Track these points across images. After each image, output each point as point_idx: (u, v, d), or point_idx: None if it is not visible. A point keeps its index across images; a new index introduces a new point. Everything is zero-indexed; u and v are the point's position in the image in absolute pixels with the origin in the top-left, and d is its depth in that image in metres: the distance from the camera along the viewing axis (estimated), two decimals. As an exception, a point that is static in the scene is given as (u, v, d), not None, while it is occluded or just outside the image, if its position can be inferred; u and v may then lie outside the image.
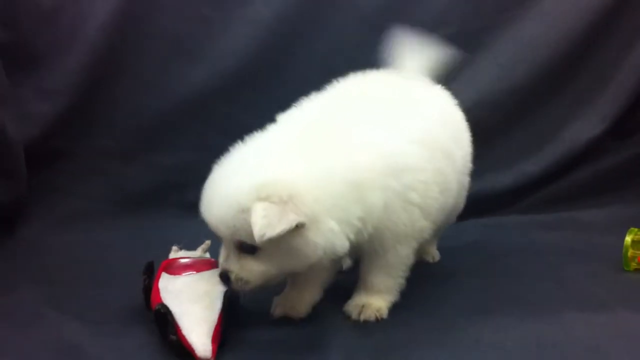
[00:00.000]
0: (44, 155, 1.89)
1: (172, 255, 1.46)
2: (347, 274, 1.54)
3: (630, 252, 1.62)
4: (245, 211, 1.15)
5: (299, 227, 1.16)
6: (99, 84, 1.95)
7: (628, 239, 1.63)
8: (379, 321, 1.35)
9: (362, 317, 1.35)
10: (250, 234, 1.14)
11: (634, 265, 1.62)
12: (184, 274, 1.33)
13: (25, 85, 1.86)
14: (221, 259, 1.25)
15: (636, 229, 1.64)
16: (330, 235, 1.20)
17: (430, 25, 1.92)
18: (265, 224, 1.13)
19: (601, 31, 2.03)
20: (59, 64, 1.90)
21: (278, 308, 1.37)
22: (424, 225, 1.35)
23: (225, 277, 1.24)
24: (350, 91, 1.40)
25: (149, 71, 1.99)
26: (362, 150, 1.25)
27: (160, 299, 1.26)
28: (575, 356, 1.21)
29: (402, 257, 1.37)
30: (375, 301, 1.38)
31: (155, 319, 1.24)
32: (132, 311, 1.39)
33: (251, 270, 1.22)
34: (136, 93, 1.99)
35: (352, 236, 1.23)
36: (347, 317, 1.37)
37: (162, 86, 1.99)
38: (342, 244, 1.22)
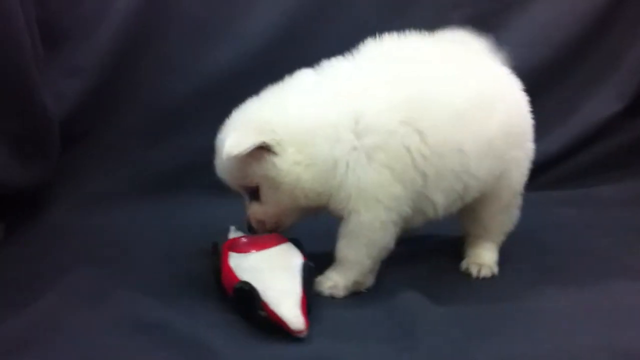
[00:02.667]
0: (67, 137, 1.83)
1: (232, 234, 1.45)
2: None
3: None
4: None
5: (267, 153, 1.30)
6: (123, 64, 1.90)
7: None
8: (333, 298, 1.34)
9: (316, 289, 1.35)
10: (245, 175, 1.34)
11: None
12: (254, 251, 1.31)
13: (52, 64, 1.79)
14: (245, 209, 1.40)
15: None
16: (297, 168, 1.30)
17: (444, 7, 2.02)
18: (233, 143, 1.27)
19: (613, 11, 2.08)
20: (85, 43, 1.84)
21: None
22: (396, 191, 1.30)
23: (248, 224, 1.40)
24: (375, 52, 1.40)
25: (173, 52, 1.95)
26: (336, 103, 1.31)
27: (236, 277, 1.25)
28: (626, 321, 1.25)
29: (365, 224, 1.30)
30: (335, 276, 1.36)
31: (237, 297, 1.23)
32: (199, 289, 1.37)
33: (260, 212, 1.37)
34: (161, 74, 1.95)
35: (317, 181, 1.30)
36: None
37: (187, 67, 1.95)
38: (309, 183, 1.30)
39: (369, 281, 1.38)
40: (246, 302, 1.20)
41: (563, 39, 2.08)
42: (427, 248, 1.65)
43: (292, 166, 1.30)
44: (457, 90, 1.35)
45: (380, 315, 1.27)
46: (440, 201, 1.36)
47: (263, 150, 1.30)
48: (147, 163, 1.97)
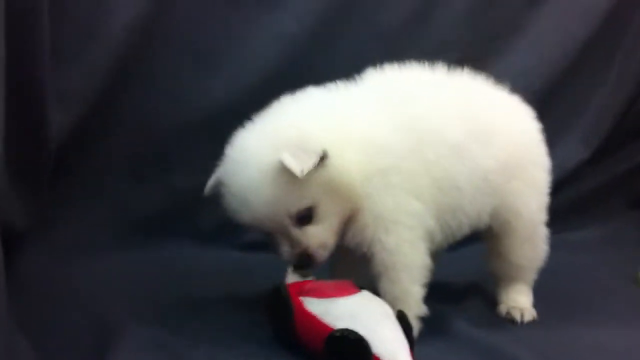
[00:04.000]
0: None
1: (291, 277, 1.27)
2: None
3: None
4: (278, 176, 1.17)
5: (325, 159, 1.20)
6: (113, 92, 1.71)
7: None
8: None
9: None
10: (299, 197, 1.19)
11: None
12: (342, 297, 1.16)
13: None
14: (285, 251, 1.24)
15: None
16: (351, 165, 1.23)
17: (440, 48, 2.00)
18: (298, 162, 1.16)
19: (579, 58, 2.16)
20: (70, 67, 1.63)
21: None
22: (415, 208, 1.26)
23: (305, 259, 1.23)
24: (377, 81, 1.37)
25: (166, 81, 1.78)
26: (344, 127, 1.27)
27: (327, 325, 1.11)
28: None
29: (392, 250, 1.25)
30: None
31: (335, 348, 1.09)
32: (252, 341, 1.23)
33: (320, 232, 1.23)
34: (150, 105, 1.78)
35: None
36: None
37: (180, 98, 1.79)
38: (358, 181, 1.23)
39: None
40: (351, 353, 1.07)
41: (532, 87, 2.10)
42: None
43: (349, 167, 1.23)
44: (456, 123, 1.33)
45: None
46: (437, 234, 1.33)
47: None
48: (130, 205, 1.79)
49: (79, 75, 1.65)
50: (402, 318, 1.15)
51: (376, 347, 1.06)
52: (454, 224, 1.34)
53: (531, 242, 1.48)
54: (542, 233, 1.50)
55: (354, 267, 1.34)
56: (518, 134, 1.44)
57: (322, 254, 1.24)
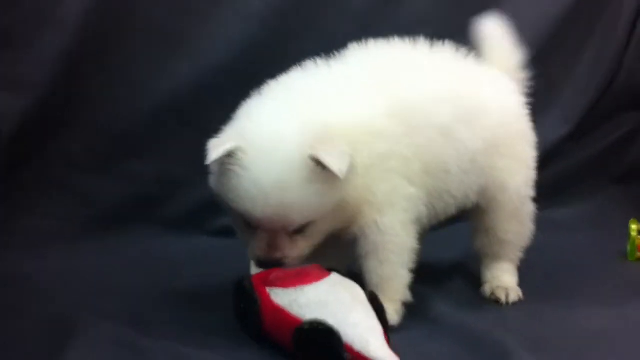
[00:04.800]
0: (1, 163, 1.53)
1: (255, 270, 1.21)
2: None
3: (638, 241, 1.68)
4: (307, 182, 1.10)
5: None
6: (69, 78, 1.63)
7: (634, 227, 1.69)
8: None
9: None
10: (314, 208, 1.12)
11: (638, 255, 1.69)
12: (308, 284, 1.10)
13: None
14: (258, 248, 1.15)
15: (636, 220, 1.73)
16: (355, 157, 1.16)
17: (414, 25, 1.89)
18: (338, 161, 1.10)
19: (556, 35, 2.11)
20: (23, 51, 1.56)
21: None
22: (409, 192, 1.24)
23: (275, 263, 1.15)
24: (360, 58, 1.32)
25: (130, 65, 1.71)
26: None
27: (294, 317, 1.06)
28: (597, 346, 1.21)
29: (385, 230, 1.22)
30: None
31: (304, 341, 1.03)
32: (220, 334, 1.17)
33: (304, 248, 1.17)
34: (114, 90, 1.70)
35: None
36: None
37: (145, 83, 1.72)
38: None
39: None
40: (320, 345, 1.01)
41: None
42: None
43: (355, 172, 1.16)
44: (444, 105, 1.28)
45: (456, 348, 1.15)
46: (424, 217, 1.29)
47: None
48: (95, 195, 1.72)
49: (33, 62, 1.58)
50: (374, 299, 1.09)
51: (347, 335, 1.00)
52: (440, 206, 1.32)
53: (518, 217, 1.45)
54: (528, 209, 1.47)
55: (331, 252, 1.27)
56: (503, 110, 1.40)
57: (293, 264, 1.18)
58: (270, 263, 1.16)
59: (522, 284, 1.46)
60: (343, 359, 0.99)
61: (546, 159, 2.11)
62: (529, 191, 1.46)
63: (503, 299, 1.40)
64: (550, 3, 2.10)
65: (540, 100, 2.13)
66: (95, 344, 1.08)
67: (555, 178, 2.14)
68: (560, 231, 1.94)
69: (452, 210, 1.35)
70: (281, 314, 1.08)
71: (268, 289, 1.12)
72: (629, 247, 1.71)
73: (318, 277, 1.13)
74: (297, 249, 1.17)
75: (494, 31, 1.47)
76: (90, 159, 1.71)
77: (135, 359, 1.06)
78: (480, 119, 1.33)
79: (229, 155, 1.11)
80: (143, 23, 1.73)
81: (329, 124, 1.16)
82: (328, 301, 1.06)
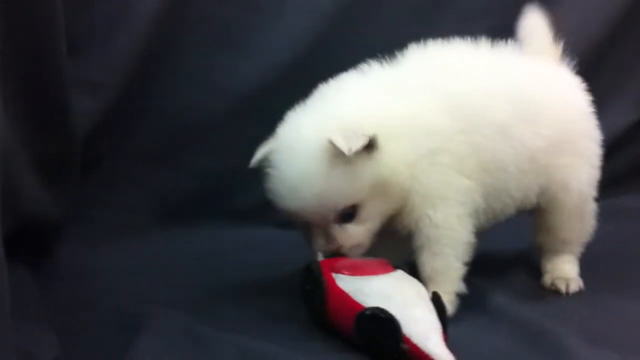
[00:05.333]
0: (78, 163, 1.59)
1: (322, 255, 1.24)
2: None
3: None
4: (330, 167, 1.15)
5: (374, 145, 1.17)
6: (140, 78, 1.70)
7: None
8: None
9: None
10: (348, 192, 1.16)
11: None
12: (375, 275, 1.14)
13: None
14: (319, 244, 1.21)
15: None
16: (400, 162, 1.19)
17: (470, 16, 1.97)
18: (346, 141, 1.13)
19: (629, 19, 2.09)
20: (97, 54, 1.63)
21: None
22: (464, 184, 1.24)
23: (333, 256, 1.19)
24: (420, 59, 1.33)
25: (195, 65, 1.77)
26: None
27: (358, 303, 1.09)
28: None
29: (440, 224, 1.22)
30: None
31: (366, 326, 1.06)
32: (286, 320, 1.22)
33: (359, 232, 1.21)
34: (179, 89, 1.77)
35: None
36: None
37: (209, 81, 1.78)
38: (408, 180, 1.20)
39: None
40: (381, 332, 1.03)
41: (581, 50, 2.04)
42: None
43: (398, 160, 1.19)
44: (502, 103, 1.29)
45: (513, 340, 1.14)
46: (481, 214, 1.29)
47: (369, 149, 1.17)
48: (163, 189, 1.80)
49: (107, 64, 1.65)
50: (436, 300, 1.10)
51: (408, 328, 1.02)
52: (498, 206, 1.31)
53: (580, 217, 1.43)
54: (590, 208, 1.45)
55: (390, 245, 1.29)
56: (566, 108, 1.39)
57: (355, 253, 1.22)
58: (331, 255, 1.20)
59: (584, 274, 1.44)
60: (400, 348, 1.01)
61: (616, 146, 2.10)
62: (592, 190, 1.44)
63: (563, 289, 1.39)
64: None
65: (611, 85, 2.13)
66: (163, 335, 1.13)
67: (627, 164, 2.14)
68: (628, 220, 1.93)
69: (511, 210, 1.34)
70: (345, 299, 1.11)
71: (334, 275, 1.16)
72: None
73: (385, 271, 1.16)
74: (351, 238, 1.20)
75: (538, 25, 1.45)
76: (159, 155, 1.78)
77: (201, 349, 1.09)
78: (541, 116, 1.33)
79: (266, 158, 1.20)
80: (208, 23, 1.78)
81: (359, 117, 1.19)
82: (392, 294, 1.09)
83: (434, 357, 0.99)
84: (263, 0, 1.82)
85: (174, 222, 1.77)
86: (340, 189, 1.17)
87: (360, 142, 1.14)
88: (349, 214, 1.19)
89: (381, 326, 1.03)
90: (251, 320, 1.24)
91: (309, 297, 1.20)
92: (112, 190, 1.75)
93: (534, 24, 1.46)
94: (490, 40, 1.38)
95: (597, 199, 1.52)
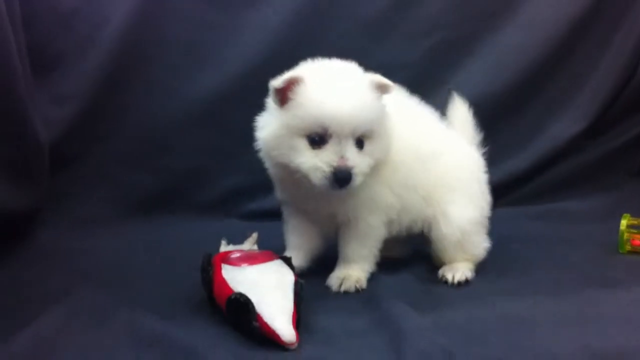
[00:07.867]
0: (55, 162, 1.89)
1: (223, 248, 1.53)
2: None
3: (625, 235, 1.78)
4: (370, 90, 1.43)
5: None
6: (111, 89, 1.96)
7: (624, 222, 1.79)
8: (359, 292, 1.51)
9: (342, 289, 1.52)
10: (374, 118, 1.43)
11: (628, 247, 1.78)
12: (248, 265, 1.37)
13: (41, 90, 1.86)
14: (332, 160, 1.39)
15: (629, 215, 1.81)
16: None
17: (417, 35, 2.14)
18: (380, 78, 1.45)
19: (576, 35, 2.20)
20: (74, 69, 1.90)
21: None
22: (392, 201, 1.55)
23: (346, 174, 1.39)
24: None
25: (160, 76, 2.02)
26: None
27: (231, 289, 1.31)
28: (605, 327, 1.29)
29: (372, 226, 1.56)
30: (353, 272, 1.56)
31: (231, 308, 1.28)
32: (194, 303, 1.42)
33: (365, 163, 1.44)
34: (147, 98, 2.02)
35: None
36: (329, 289, 1.52)
37: (173, 91, 2.03)
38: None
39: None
40: (240, 313, 1.26)
41: (529, 64, 2.19)
42: (410, 261, 1.75)
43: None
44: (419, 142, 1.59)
45: (368, 324, 1.33)
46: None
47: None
48: (133, 186, 2.04)
49: (78, 79, 1.91)
50: (298, 289, 1.31)
51: (260, 309, 1.24)
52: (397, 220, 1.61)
53: (468, 237, 1.63)
54: (477, 240, 1.66)
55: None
56: (456, 155, 1.67)
57: (357, 179, 1.41)
58: (341, 172, 1.39)
59: (490, 270, 1.64)
60: (253, 325, 1.23)
61: (561, 155, 2.24)
62: (476, 226, 1.64)
63: (450, 279, 1.58)
64: (568, 5, 2.18)
65: (558, 98, 2.23)
66: (71, 313, 1.35)
67: (572, 172, 2.26)
68: (567, 223, 2.07)
69: (401, 229, 1.62)
70: (224, 285, 1.33)
71: (222, 265, 1.39)
72: (619, 240, 1.79)
73: (261, 261, 1.40)
74: (361, 163, 1.42)
75: (462, 114, 1.76)
76: (129, 156, 2.03)
77: (99, 325, 1.31)
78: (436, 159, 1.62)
79: (291, 88, 1.42)
80: (172, 40, 2.02)
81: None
82: (257, 281, 1.32)
83: (278, 332, 1.21)
84: (220, 18, 2.03)
85: (139, 215, 2.01)
86: (373, 112, 1.44)
87: (393, 85, 1.46)
88: (361, 141, 1.43)
89: (240, 307, 1.26)
90: (163, 301, 1.44)
91: (204, 283, 1.42)
92: (90, 187, 2.00)
93: (460, 111, 1.76)
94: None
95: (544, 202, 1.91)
